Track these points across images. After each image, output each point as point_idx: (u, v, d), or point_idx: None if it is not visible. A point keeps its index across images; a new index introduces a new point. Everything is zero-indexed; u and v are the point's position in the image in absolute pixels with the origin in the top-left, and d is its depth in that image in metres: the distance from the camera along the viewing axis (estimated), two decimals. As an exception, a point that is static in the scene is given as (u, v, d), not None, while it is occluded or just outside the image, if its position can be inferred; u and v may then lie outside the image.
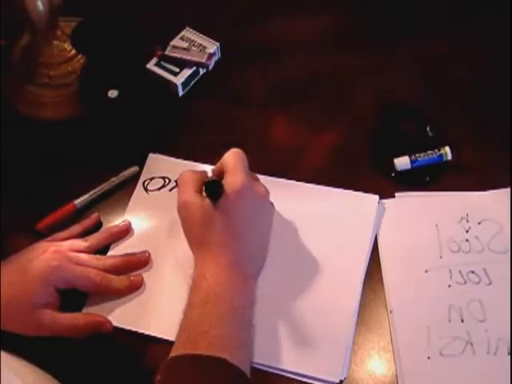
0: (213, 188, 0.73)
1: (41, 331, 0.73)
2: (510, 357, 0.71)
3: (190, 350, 0.66)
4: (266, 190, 0.78)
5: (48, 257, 0.73)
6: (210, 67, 0.94)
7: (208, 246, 0.73)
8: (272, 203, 0.80)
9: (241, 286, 0.72)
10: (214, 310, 0.69)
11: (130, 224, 0.82)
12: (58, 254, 0.74)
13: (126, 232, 0.81)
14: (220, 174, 0.75)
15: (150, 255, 0.79)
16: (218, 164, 0.76)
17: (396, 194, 0.83)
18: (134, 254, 0.79)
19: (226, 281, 0.71)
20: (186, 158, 0.87)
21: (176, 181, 0.85)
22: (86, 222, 0.82)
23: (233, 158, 0.75)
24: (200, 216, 0.73)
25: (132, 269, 0.78)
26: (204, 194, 0.74)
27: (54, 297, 0.74)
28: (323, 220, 0.81)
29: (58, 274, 0.73)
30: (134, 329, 0.75)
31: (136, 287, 0.77)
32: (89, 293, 0.77)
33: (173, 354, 0.66)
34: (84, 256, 0.76)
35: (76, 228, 0.81)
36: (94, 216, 0.82)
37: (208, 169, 0.83)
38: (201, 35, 0.95)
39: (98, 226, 0.83)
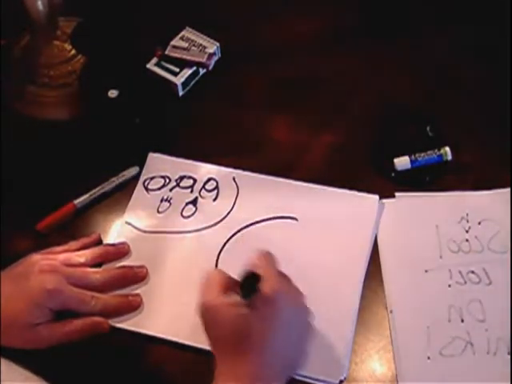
0: (249, 281, 0.67)
1: (41, 345, 0.72)
2: (509, 357, 0.71)
3: None
4: (300, 293, 0.71)
5: (44, 278, 0.72)
6: (210, 67, 0.94)
7: (233, 352, 0.66)
8: (308, 308, 0.72)
9: None
10: None
11: (128, 247, 0.80)
12: (54, 274, 0.73)
13: (122, 254, 0.79)
14: None
15: (147, 271, 0.78)
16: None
17: (396, 194, 0.83)
18: (131, 268, 0.78)
19: None
20: (186, 158, 0.87)
21: (177, 180, 0.85)
22: (86, 240, 0.80)
23: (262, 261, 0.70)
24: (228, 320, 0.67)
25: (128, 283, 0.77)
26: (241, 291, 0.68)
27: (49, 315, 0.73)
28: (323, 220, 0.81)
29: (52, 298, 0.72)
30: (134, 329, 0.75)
31: (133, 308, 0.76)
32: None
33: None
34: (79, 271, 0.75)
35: (74, 244, 0.79)
36: (94, 235, 0.81)
37: (208, 168, 0.85)
38: (201, 35, 0.95)
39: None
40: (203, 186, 0.85)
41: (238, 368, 0.66)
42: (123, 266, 0.79)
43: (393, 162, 0.85)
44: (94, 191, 0.84)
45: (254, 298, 0.66)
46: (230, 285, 0.70)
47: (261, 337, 0.66)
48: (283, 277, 0.71)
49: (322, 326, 0.74)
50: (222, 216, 0.83)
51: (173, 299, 0.77)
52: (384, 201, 0.82)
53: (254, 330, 0.66)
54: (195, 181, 0.85)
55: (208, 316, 0.68)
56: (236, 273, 0.78)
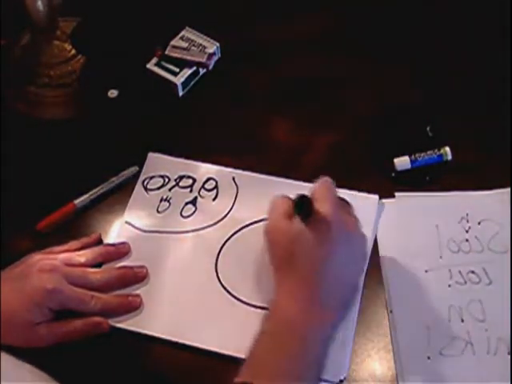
0: (301, 204, 0.70)
1: (40, 343, 0.72)
2: (509, 357, 0.71)
3: (253, 378, 0.65)
4: (356, 220, 0.74)
5: (44, 278, 0.72)
6: (210, 67, 0.94)
7: (290, 270, 0.70)
8: (364, 235, 0.74)
9: (315, 320, 0.68)
10: (282, 343, 0.67)
11: (128, 247, 0.80)
12: (54, 273, 0.73)
13: (122, 254, 0.79)
14: None
15: (147, 271, 0.78)
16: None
17: (396, 194, 0.83)
18: (131, 268, 0.78)
19: (299, 311, 0.68)
20: (185, 158, 0.87)
21: (176, 180, 0.85)
22: (86, 240, 0.80)
23: (321, 187, 0.72)
24: (287, 239, 0.70)
25: (128, 283, 0.77)
26: (294, 212, 0.71)
27: (49, 314, 0.73)
28: (323, 220, 0.81)
29: (52, 298, 0.72)
30: (134, 329, 0.75)
31: (133, 308, 0.76)
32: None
33: (237, 379, 0.65)
34: (79, 271, 0.76)
35: (74, 244, 0.79)
36: (94, 235, 0.81)
37: (207, 168, 0.85)
38: (201, 35, 0.95)
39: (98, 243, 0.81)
40: (202, 186, 0.85)
41: (291, 285, 0.69)
42: (123, 266, 0.79)
43: (393, 162, 0.85)
44: (93, 191, 0.84)
45: (310, 219, 0.69)
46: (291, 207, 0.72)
47: (313, 255, 0.69)
48: (341, 203, 0.73)
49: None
50: (222, 215, 0.83)
51: (173, 299, 0.77)
52: (384, 201, 0.82)
53: (306, 248, 0.69)
54: (194, 180, 0.85)
55: (270, 237, 0.73)
56: (235, 272, 0.78)
